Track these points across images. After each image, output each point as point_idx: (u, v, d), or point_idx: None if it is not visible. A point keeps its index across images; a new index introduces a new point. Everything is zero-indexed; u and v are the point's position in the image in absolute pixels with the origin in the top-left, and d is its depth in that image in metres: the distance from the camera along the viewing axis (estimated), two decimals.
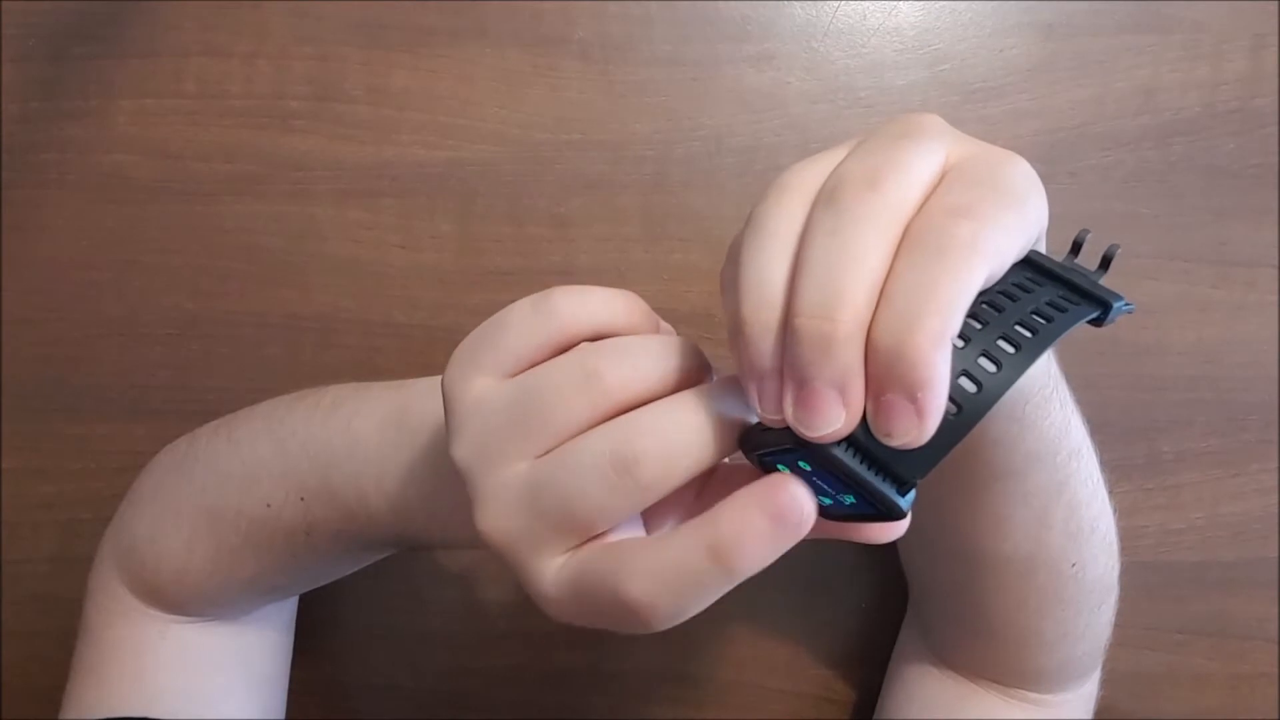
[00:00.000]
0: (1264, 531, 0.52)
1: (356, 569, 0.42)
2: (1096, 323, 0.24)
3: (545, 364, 0.25)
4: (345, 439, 0.35)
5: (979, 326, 0.22)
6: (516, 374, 0.26)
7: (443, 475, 0.31)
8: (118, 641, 0.42)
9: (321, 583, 0.43)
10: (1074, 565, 0.36)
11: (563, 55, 0.52)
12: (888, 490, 0.22)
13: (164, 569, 0.40)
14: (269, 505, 0.37)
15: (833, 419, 0.21)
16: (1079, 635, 0.39)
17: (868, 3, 0.52)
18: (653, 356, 0.25)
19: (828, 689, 0.53)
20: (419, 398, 0.34)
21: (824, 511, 0.24)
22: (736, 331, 0.23)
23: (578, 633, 0.53)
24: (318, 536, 0.36)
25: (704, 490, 0.28)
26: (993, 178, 0.23)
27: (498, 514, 0.25)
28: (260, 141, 0.53)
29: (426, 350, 0.52)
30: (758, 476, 0.24)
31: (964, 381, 0.22)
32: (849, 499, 0.23)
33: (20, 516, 0.54)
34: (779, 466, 0.24)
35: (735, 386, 0.25)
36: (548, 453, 0.25)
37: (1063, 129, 0.52)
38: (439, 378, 0.32)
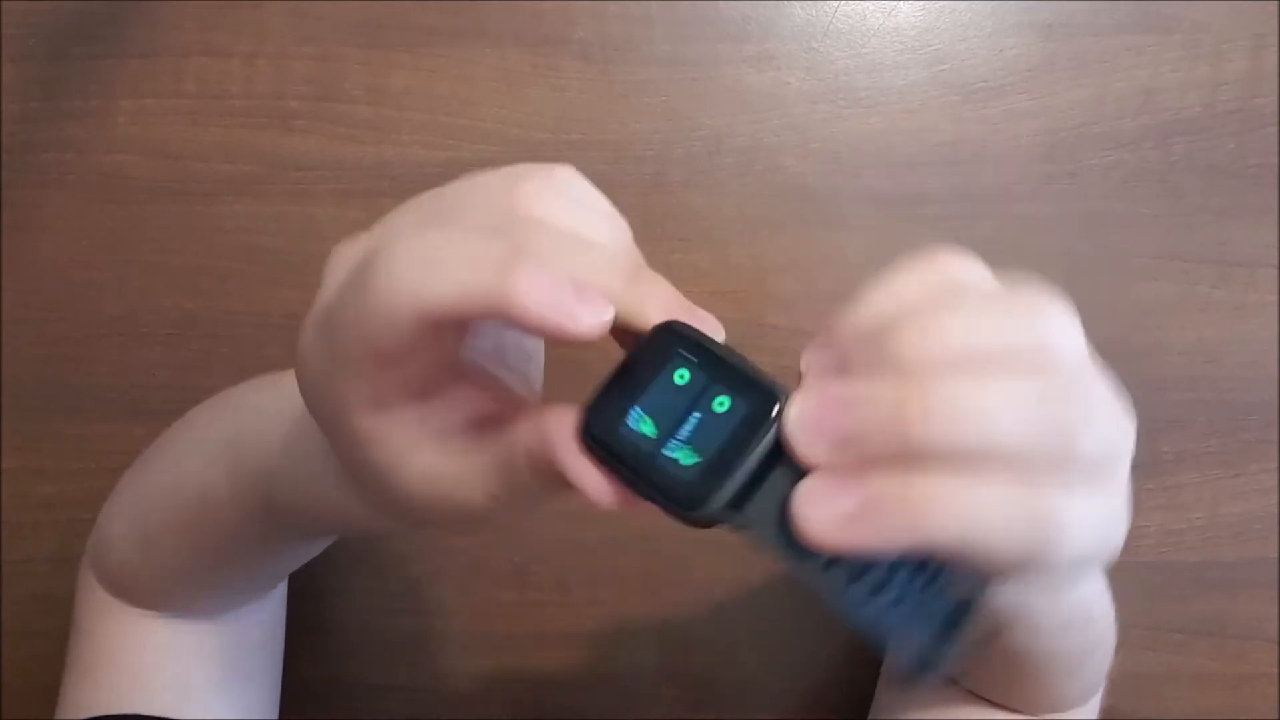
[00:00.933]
0: (1264, 532, 0.52)
1: (270, 567, 0.42)
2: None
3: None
4: (257, 416, 0.35)
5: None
6: None
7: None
8: (105, 638, 0.42)
9: (248, 580, 0.42)
10: (1085, 649, 0.37)
11: (563, 55, 0.52)
12: (727, 492, 0.22)
13: (116, 561, 0.41)
14: (183, 473, 0.37)
15: (818, 444, 0.21)
16: (1092, 669, 0.39)
17: (868, 3, 0.52)
18: (591, 206, 0.25)
19: (826, 689, 0.53)
20: None
21: (612, 441, 0.23)
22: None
23: (578, 633, 0.53)
24: (212, 511, 0.36)
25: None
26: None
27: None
28: (260, 141, 0.53)
29: None
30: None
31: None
32: (684, 455, 0.22)
33: (20, 516, 0.54)
34: (669, 364, 0.23)
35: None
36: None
37: (1063, 129, 0.52)
38: None
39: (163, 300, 0.53)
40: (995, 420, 0.20)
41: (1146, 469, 0.52)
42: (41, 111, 0.53)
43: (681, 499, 0.22)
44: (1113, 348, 0.53)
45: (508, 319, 0.21)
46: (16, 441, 0.53)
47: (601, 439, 0.23)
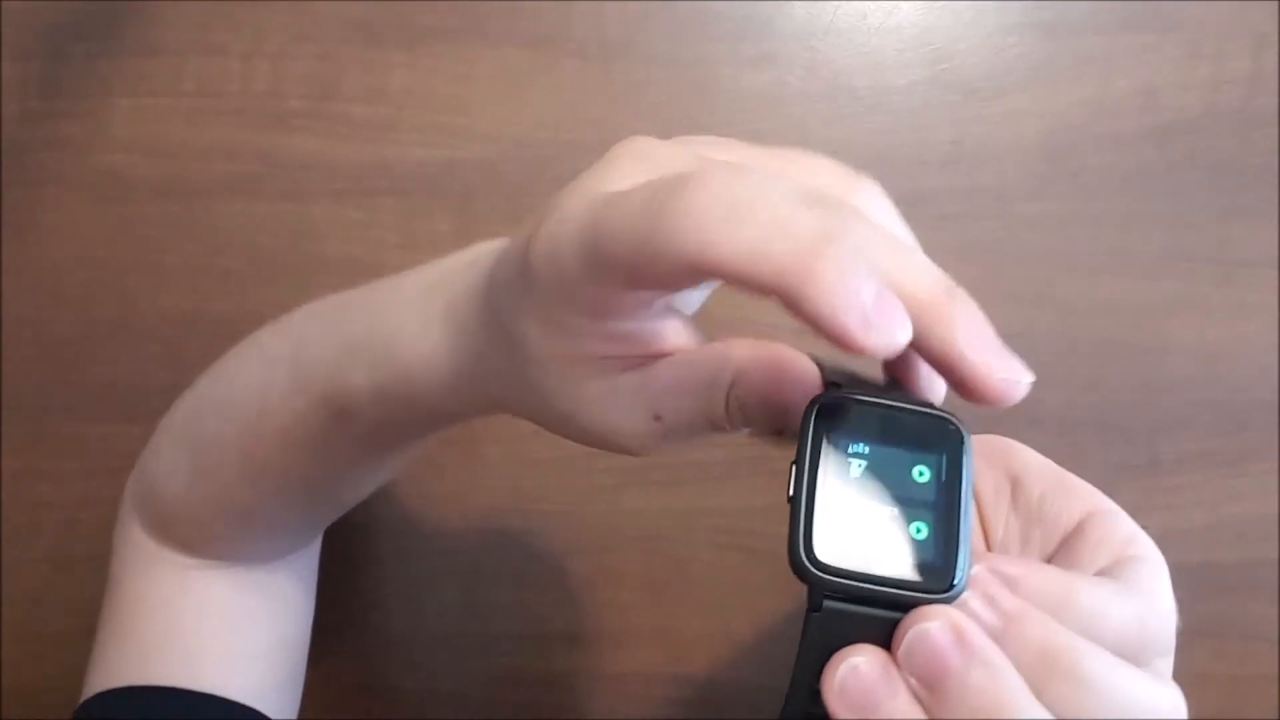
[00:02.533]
0: (1265, 532, 0.52)
1: (326, 493, 0.40)
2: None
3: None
4: (324, 309, 0.34)
5: None
6: None
7: (450, 299, 0.29)
8: (141, 595, 0.41)
9: (307, 517, 0.42)
10: None
11: (562, 55, 0.52)
12: (949, 571, 0.21)
13: (162, 497, 0.40)
14: (259, 412, 0.35)
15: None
16: None
17: (868, 3, 0.52)
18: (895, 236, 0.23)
19: None
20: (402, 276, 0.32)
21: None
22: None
23: (578, 633, 0.53)
24: (271, 412, 0.35)
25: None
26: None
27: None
28: (259, 141, 0.53)
29: None
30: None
31: None
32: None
33: (20, 516, 0.54)
34: (851, 447, 0.22)
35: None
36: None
37: (1063, 129, 0.52)
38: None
39: (162, 300, 0.53)
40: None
41: (1147, 470, 0.52)
42: (40, 111, 0.53)
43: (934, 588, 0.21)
44: (1113, 348, 0.53)
45: (792, 300, 0.19)
46: (16, 441, 0.53)
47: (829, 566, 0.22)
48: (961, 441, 0.22)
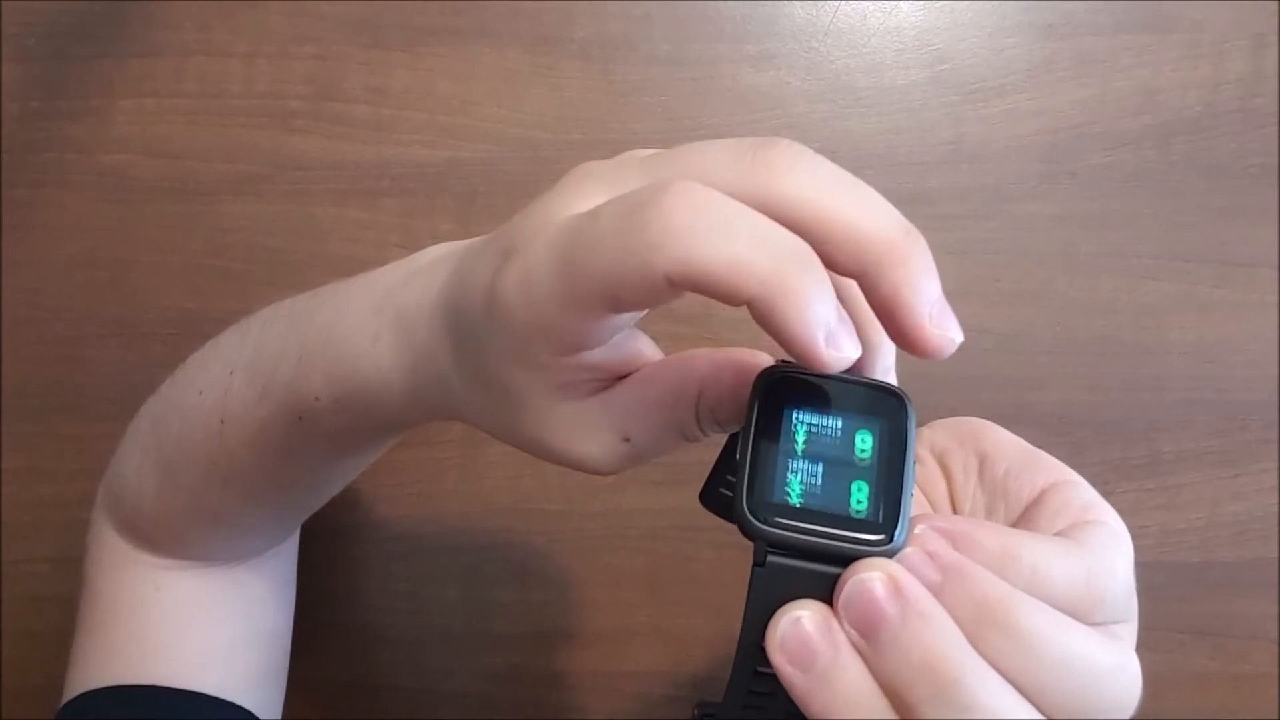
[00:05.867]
0: (1265, 532, 0.52)
1: (299, 495, 0.40)
2: None
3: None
4: (281, 317, 0.34)
5: None
6: None
7: (400, 310, 0.29)
8: (115, 595, 0.41)
9: (276, 516, 0.42)
10: None
11: (563, 55, 0.52)
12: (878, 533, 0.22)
13: (129, 500, 0.40)
14: (200, 392, 0.36)
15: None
16: None
17: (868, 3, 0.52)
18: (843, 185, 0.23)
19: None
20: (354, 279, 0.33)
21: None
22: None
23: (578, 633, 0.53)
24: (231, 425, 0.35)
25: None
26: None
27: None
28: (260, 141, 0.53)
29: None
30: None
31: None
32: (813, 474, 0.22)
33: (20, 516, 0.54)
34: (794, 418, 0.23)
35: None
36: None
37: (1063, 129, 0.52)
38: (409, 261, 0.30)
39: (163, 300, 0.53)
40: None
41: (1147, 469, 0.52)
42: (41, 111, 0.53)
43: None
44: (1113, 347, 0.53)
45: (766, 311, 0.20)
46: (16, 441, 0.53)
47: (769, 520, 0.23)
48: (904, 409, 0.23)
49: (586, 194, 0.24)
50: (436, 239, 0.52)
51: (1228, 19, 0.52)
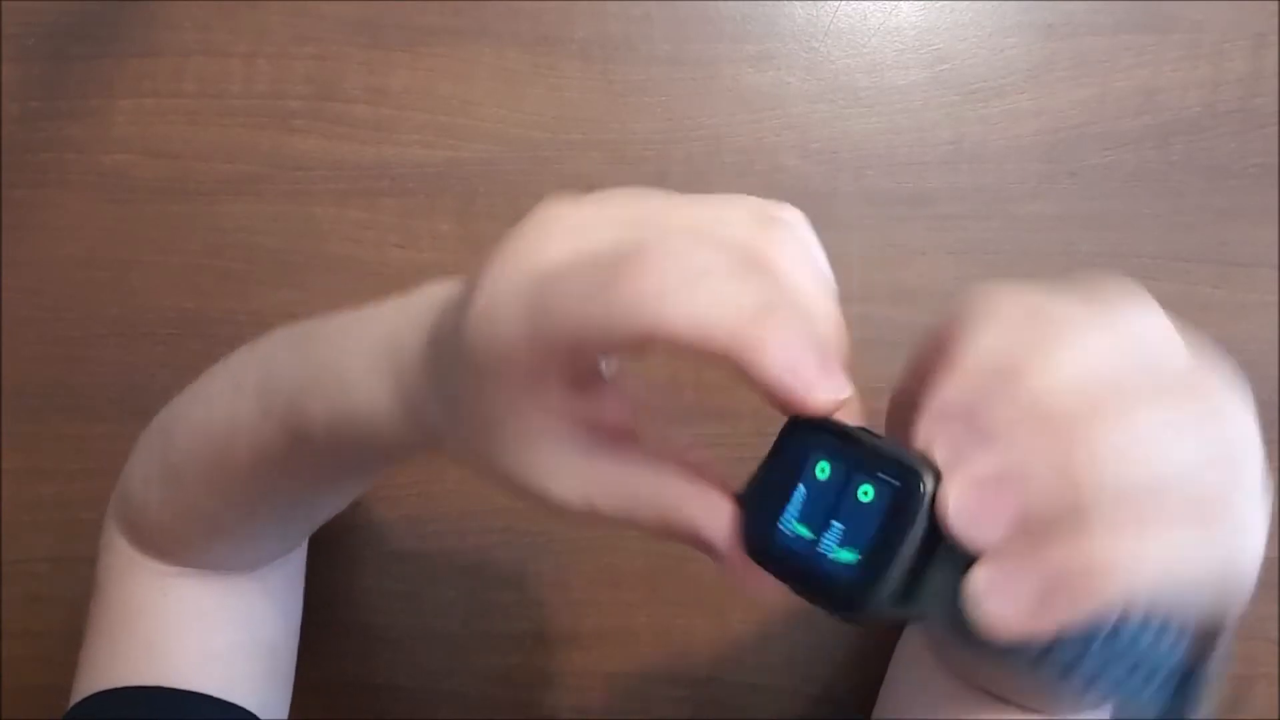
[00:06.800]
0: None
1: (292, 515, 0.41)
2: None
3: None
4: (291, 341, 0.35)
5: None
6: None
7: (392, 334, 0.30)
8: (124, 600, 0.42)
9: (283, 530, 0.42)
10: None
11: (563, 55, 0.52)
12: (889, 590, 0.20)
13: (137, 507, 0.41)
14: (210, 407, 0.36)
15: (991, 531, 0.20)
16: None
17: (868, 3, 0.52)
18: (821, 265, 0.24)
19: (827, 689, 0.53)
20: (362, 310, 0.33)
21: (770, 548, 0.22)
22: (960, 368, 0.21)
23: (579, 632, 0.53)
24: (240, 445, 0.35)
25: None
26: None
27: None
28: (260, 141, 0.53)
29: None
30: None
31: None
32: (844, 554, 0.21)
33: (20, 516, 0.54)
34: (817, 466, 0.22)
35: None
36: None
37: (1063, 129, 0.52)
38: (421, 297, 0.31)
39: (163, 300, 0.53)
40: (1165, 450, 0.19)
41: None
42: (41, 111, 0.53)
43: (842, 600, 0.21)
44: None
45: (742, 367, 0.21)
46: (16, 441, 0.53)
47: (760, 548, 0.23)
48: (917, 485, 0.21)
49: (555, 242, 0.24)
50: (436, 239, 0.53)
51: (1228, 19, 0.52)
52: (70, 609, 0.52)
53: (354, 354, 0.31)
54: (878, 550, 0.20)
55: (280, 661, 0.45)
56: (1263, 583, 0.56)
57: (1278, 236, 0.52)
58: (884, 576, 0.20)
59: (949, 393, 0.21)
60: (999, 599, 0.19)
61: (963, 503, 0.20)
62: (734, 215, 0.24)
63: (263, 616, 0.44)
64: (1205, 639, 0.21)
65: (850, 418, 0.22)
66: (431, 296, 0.30)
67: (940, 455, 0.21)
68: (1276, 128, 0.52)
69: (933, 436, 0.21)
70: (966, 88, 0.52)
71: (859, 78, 0.52)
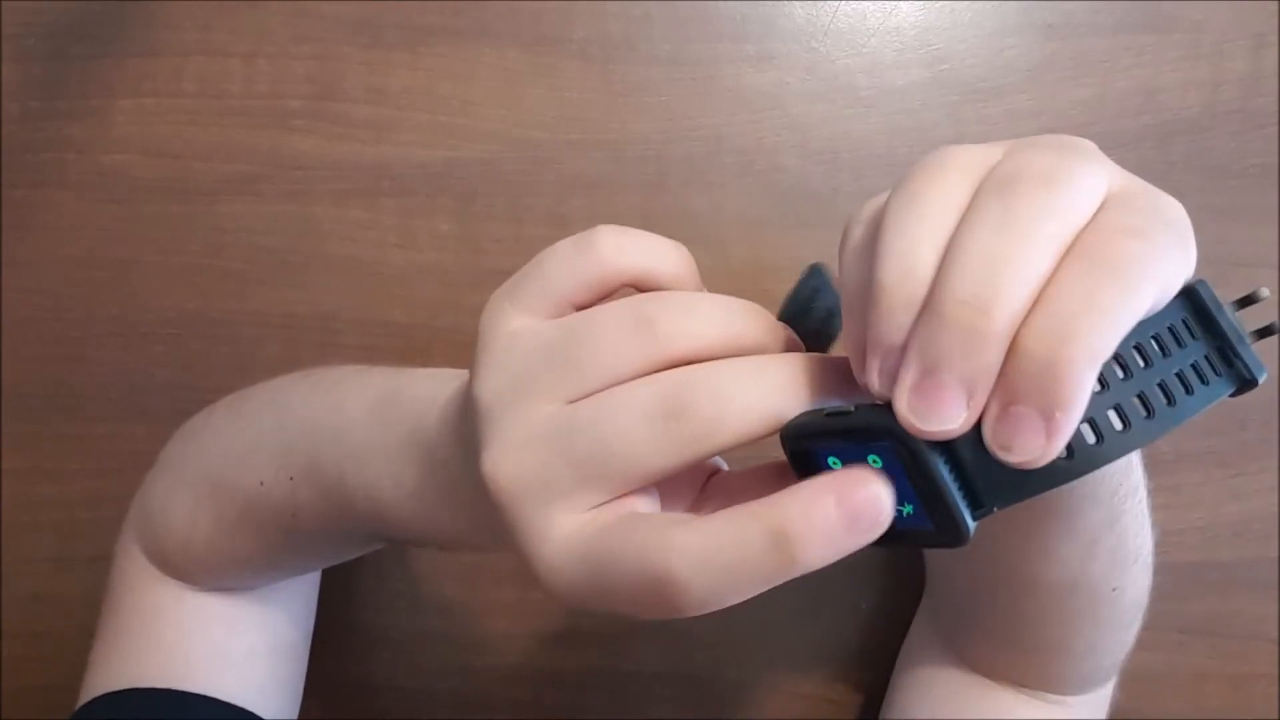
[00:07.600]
0: (1264, 531, 0.52)
1: (348, 558, 0.42)
2: (1233, 394, 0.24)
3: (593, 308, 0.24)
4: (335, 420, 0.34)
5: (1120, 374, 0.22)
6: (559, 316, 0.24)
7: (427, 461, 0.30)
8: (137, 606, 0.42)
9: (318, 567, 0.43)
10: (1115, 590, 0.36)
11: (563, 55, 0.52)
12: (962, 509, 0.21)
13: (171, 538, 0.41)
14: (261, 483, 0.36)
15: (952, 416, 0.20)
16: (1107, 649, 0.39)
17: (868, 3, 0.52)
18: (714, 314, 0.24)
19: (829, 689, 0.53)
20: (413, 383, 0.32)
21: None
22: (872, 300, 0.21)
23: (579, 632, 0.53)
24: (303, 520, 0.35)
25: (699, 500, 0.27)
26: (1158, 209, 0.22)
27: (513, 452, 0.23)
28: (260, 141, 0.53)
29: (426, 350, 0.52)
30: (774, 484, 0.22)
31: (1085, 428, 0.21)
32: (906, 509, 0.22)
33: (20, 516, 0.54)
34: (829, 462, 0.23)
35: (808, 364, 0.24)
36: (584, 398, 0.23)
37: (1063, 129, 0.52)
38: (440, 369, 0.31)
39: (163, 300, 0.53)
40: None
41: (1146, 469, 0.52)
42: (41, 111, 0.53)
43: (941, 541, 0.22)
44: None
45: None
46: (16, 441, 0.53)
47: None
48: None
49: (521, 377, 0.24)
50: (435, 239, 0.53)
51: (1228, 19, 0.52)
52: (70, 609, 0.52)
53: (382, 466, 0.31)
54: (923, 494, 0.22)
55: (295, 666, 0.45)
56: (1262, 583, 0.56)
57: (1278, 236, 0.52)
58: (947, 504, 0.21)
59: (872, 334, 0.22)
60: (1019, 438, 0.20)
61: (915, 413, 0.21)
62: (612, 335, 0.23)
63: (281, 621, 0.44)
64: (1204, 320, 0.24)
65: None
66: (448, 393, 0.30)
67: (888, 389, 0.22)
68: (1276, 128, 0.52)
69: (873, 377, 0.22)
70: (966, 88, 0.52)
71: (859, 78, 0.52)
